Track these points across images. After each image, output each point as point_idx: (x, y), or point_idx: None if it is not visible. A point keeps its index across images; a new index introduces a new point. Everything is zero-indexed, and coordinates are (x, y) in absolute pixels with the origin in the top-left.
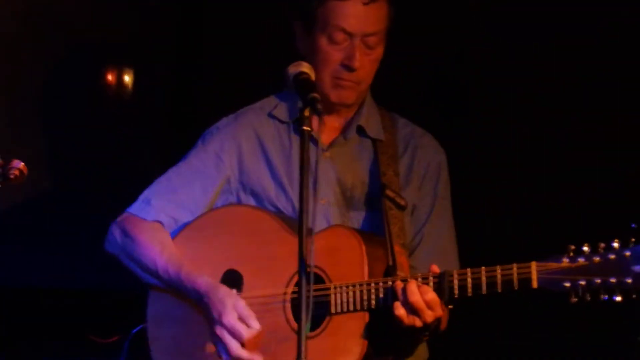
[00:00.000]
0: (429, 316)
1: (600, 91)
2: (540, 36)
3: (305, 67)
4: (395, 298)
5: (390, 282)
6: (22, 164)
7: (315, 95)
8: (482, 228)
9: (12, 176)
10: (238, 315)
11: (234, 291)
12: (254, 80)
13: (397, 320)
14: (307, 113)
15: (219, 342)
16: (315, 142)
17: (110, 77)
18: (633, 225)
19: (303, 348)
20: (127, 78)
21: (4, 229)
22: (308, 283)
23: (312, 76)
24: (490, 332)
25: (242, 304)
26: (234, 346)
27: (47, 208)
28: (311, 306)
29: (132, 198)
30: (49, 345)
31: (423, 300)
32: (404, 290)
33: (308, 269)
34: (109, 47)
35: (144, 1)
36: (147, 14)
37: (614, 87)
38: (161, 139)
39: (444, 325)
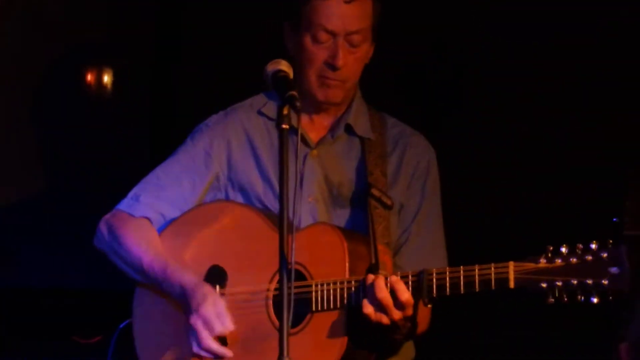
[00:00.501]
0: (396, 314)
1: (593, 91)
2: (535, 33)
3: (283, 65)
4: (365, 295)
5: (357, 282)
6: None
7: (293, 93)
8: (466, 226)
9: None
10: (216, 311)
11: (217, 288)
12: (234, 77)
13: (365, 317)
14: (285, 111)
15: (192, 331)
16: (304, 139)
17: (89, 78)
18: (615, 219)
19: (285, 345)
20: (107, 78)
21: None
22: (289, 280)
23: (291, 74)
24: (477, 330)
25: (222, 303)
26: (206, 337)
27: (31, 208)
28: (292, 303)
29: (114, 196)
30: (33, 345)
31: (400, 299)
32: (372, 286)
33: (289, 266)
34: (87, 48)
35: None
36: (125, 13)
37: (609, 86)
38: (143, 138)
39: (423, 326)
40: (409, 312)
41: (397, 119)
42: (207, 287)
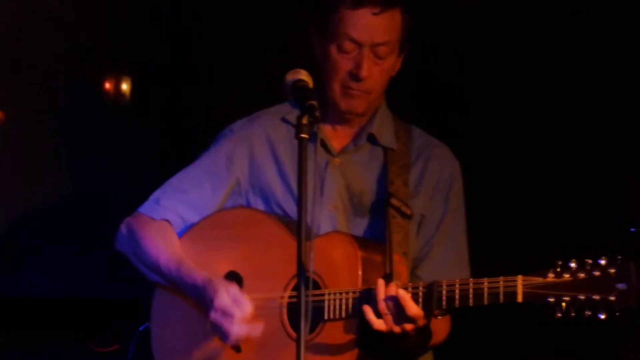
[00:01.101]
0: (407, 325)
1: (597, 95)
2: (538, 34)
3: (303, 75)
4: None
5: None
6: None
7: (312, 102)
8: (477, 237)
9: None
10: (231, 298)
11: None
12: (248, 86)
13: (370, 323)
14: (304, 120)
15: (216, 327)
16: (326, 147)
17: (108, 85)
18: (633, 229)
19: (302, 353)
20: (125, 86)
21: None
22: (307, 288)
23: (310, 83)
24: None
25: (235, 288)
26: (229, 326)
27: (44, 216)
28: (310, 312)
29: (132, 203)
30: (50, 354)
31: (408, 314)
32: (374, 295)
33: (307, 274)
34: (106, 56)
35: (138, 9)
36: (141, 21)
37: (613, 90)
38: (159, 146)
39: (440, 336)
40: (421, 323)
41: (422, 129)
42: (218, 280)
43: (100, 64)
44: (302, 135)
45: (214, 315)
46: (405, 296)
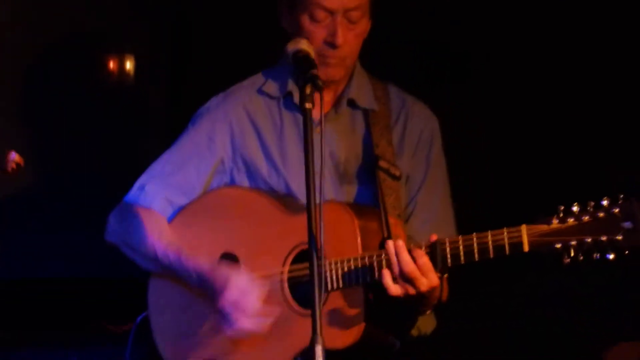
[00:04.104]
0: (423, 285)
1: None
2: (544, 25)
3: (304, 44)
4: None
5: (383, 255)
6: (18, 155)
7: (315, 71)
8: (475, 193)
9: (9, 169)
10: (242, 290)
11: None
12: (251, 64)
13: (387, 289)
14: (308, 90)
15: (223, 315)
16: None
17: (111, 65)
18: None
19: (319, 324)
20: (129, 65)
21: (14, 220)
22: (319, 259)
23: (312, 53)
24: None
25: (245, 278)
26: (238, 318)
27: (49, 199)
28: (322, 282)
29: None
30: (60, 334)
31: (416, 266)
32: (398, 262)
33: (318, 245)
34: (106, 36)
35: None
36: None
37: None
38: (163, 126)
39: (444, 295)
40: (435, 281)
41: (400, 87)
42: (225, 268)
43: (103, 45)
44: (307, 105)
45: (222, 303)
46: (423, 255)
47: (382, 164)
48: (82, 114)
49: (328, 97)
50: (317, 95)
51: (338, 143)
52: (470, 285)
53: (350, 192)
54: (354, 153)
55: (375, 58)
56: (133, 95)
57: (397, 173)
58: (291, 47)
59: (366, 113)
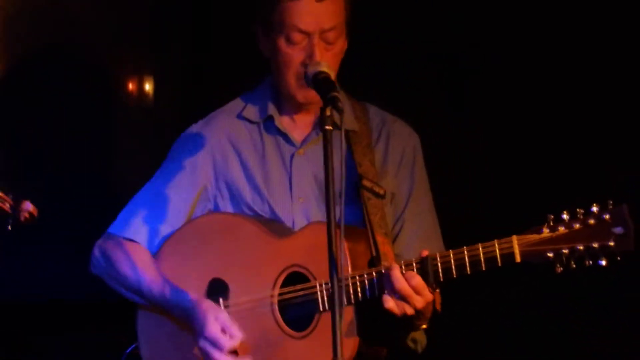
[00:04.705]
0: (418, 302)
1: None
2: (539, 27)
3: (324, 67)
4: (381, 288)
5: (374, 273)
6: (32, 205)
7: (336, 94)
8: (463, 207)
9: (22, 218)
10: (220, 326)
11: (220, 301)
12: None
13: (389, 311)
14: (328, 112)
15: (205, 355)
16: (289, 140)
17: (131, 87)
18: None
19: (339, 346)
20: (148, 87)
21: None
22: (339, 280)
23: (332, 75)
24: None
25: (223, 315)
26: (218, 357)
27: (58, 217)
28: (342, 303)
29: None
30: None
31: (409, 286)
32: (389, 278)
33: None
34: (126, 58)
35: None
36: (163, 21)
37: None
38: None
39: (438, 306)
40: (428, 296)
41: (378, 106)
42: (205, 304)
43: (121, 65)
44: (327, 127)
45: (202, 344)
46: (415, 276)
47: (366, 183)
48: (102, 135)
49: (308, 118)
50: (297, 117)
51: (321, 164)
52: (464, 290)
53: (336, 212)
54: (337, 173)
55: (374, 62)
56: (151, 116)
57: (382, 191)
58: (311, 69)
59: (347, 133)
